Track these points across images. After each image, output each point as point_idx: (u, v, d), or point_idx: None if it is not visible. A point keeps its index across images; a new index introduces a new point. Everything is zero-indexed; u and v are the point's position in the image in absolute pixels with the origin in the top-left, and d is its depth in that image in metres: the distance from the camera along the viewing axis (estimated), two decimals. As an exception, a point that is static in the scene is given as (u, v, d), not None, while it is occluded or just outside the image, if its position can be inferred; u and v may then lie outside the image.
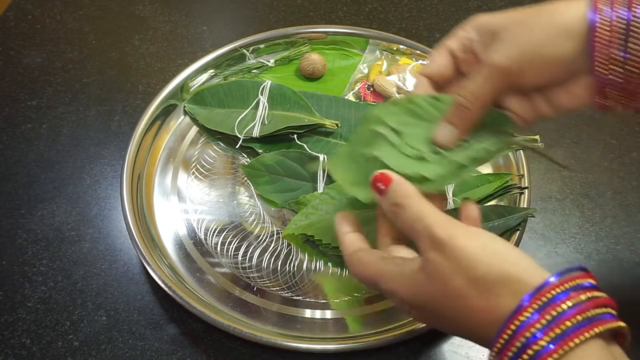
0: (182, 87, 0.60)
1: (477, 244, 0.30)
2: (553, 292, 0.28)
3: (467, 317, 0.30)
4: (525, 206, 0.51)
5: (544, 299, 0.28)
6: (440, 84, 0.40)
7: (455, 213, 0.50)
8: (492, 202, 0.52)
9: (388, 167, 0.36)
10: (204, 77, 0.62)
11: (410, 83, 0.60)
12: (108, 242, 0.52)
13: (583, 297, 0.28)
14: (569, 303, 0.28)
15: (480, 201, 0.52)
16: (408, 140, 0.38)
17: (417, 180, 0.36)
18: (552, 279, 0.28)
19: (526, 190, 0.52)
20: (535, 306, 0.28)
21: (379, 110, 0.40)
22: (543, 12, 0.34)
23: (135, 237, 0.48)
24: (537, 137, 0.54)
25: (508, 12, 0.36)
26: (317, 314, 0.47)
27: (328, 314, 0.47)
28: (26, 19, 0.71)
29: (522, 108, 0.38)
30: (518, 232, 0.49)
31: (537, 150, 0.41)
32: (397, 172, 0.35)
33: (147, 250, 0.48)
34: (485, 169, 0.55)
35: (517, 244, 0.48)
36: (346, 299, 0.48)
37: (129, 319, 0.47)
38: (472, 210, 0.36)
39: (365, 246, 0.36)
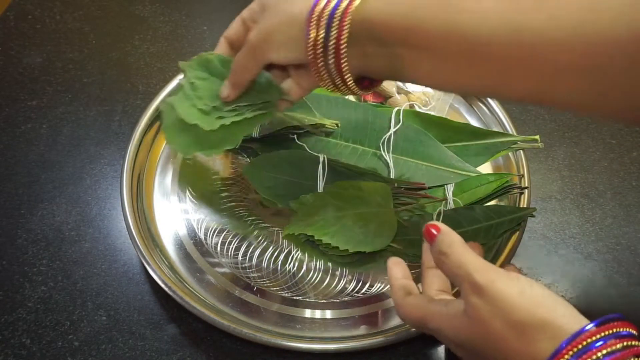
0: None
1: (516, 290, 0.31)
2: (589, 340, 0.29)
3: (507, 359, 0.32)
4: (525, 206, 0.51)
5: (580, 347, 0.29)
6: (235, 47, 0.45)
7: (455, 213, 0.50)
8: (492, 202, 0.52)
9: (180, 116, 0.45)
10: (204, 77, 0.62)
11: (409, 83, 0.60)
12: (108, 242, 0.52)
13: (619, 345, 0.29)
14: (604, 351, 0.29)
15: (480, 201, 0.52)
16: (201, 93, 0.46)
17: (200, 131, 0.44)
18: (590, 326, 0.30)
19: (526, 190, 0.52)
20: (571, 352, 0.29)
21: (184, 64, 0.47)
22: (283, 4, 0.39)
23: (135, 237, 0.48)
24: (537, 137, 0.54)
25: None
26: (317, 314, 0.47)
27: (328, 314, 0.47)
28: (26, 19, 0.71)
29: (286, 83, 0.43)
30: (518, 232, 0.49)
31: None
32: (185, 120, 0.44)
33: (147, 250, 0.48)
34: (485, 169, 0.55)
35: (517, 244, 0.48)
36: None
37: (129, 319, 0.47)
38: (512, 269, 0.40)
39: (415, 292, 0.39)
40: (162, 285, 0.46)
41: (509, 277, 0.32)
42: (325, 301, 0.48)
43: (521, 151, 0.54)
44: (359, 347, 0.44)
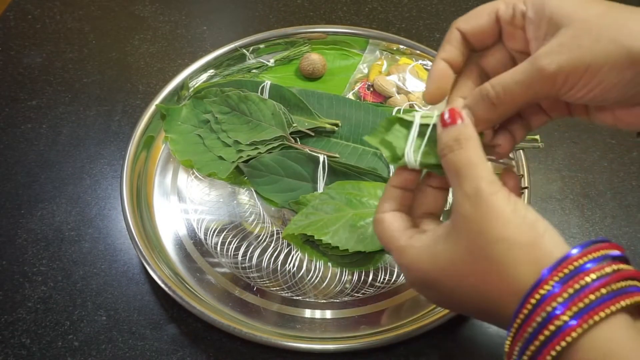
0: (182, 87, 0.60)
1: (512, 208, 0.29)
2: (576, 264, 0.27)
3: (488, 285, 0.29)
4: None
5: (566, 271, 0.27)
6: (475, 46, 0.35)
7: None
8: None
9: (206, 146, 0.55)
10: (204, 77, 0.62)
11: (410, 83, 0.60)
12: (108, 242, 0.52)
13: (608, 269, 0.27)
14: (593, 275, 0.26)
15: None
16: (225, 127, 0.55)
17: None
18: (575, 251, 0.27)
19: (526, 190, 0.52)
20: (556, 278, 0.27)
21: (208, 101, 0.57)
22: (615, 29, 0.29)
23: (135, 237, 0.48)
24: (537, 137, 0.54)
25: (579, 5, 0.31)
26: (317, 314, 0.47)
27: (328, 314, 0.47)
28: (26, 19, 0.71)
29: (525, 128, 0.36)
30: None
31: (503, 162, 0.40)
32: (210, 152, 0.53)
33: (147, 250, 0.48)
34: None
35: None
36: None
37: (129, 319, 0.47)
38: (512, 179, 0.35)
39: (397, 212, 0.35)
40: (162, 285, 0.46)
41: (509, 196, 0.30)
42: (325, 301, 0.48)
43: (521, 151, 0.54)
44: (359, 347, 0.44)
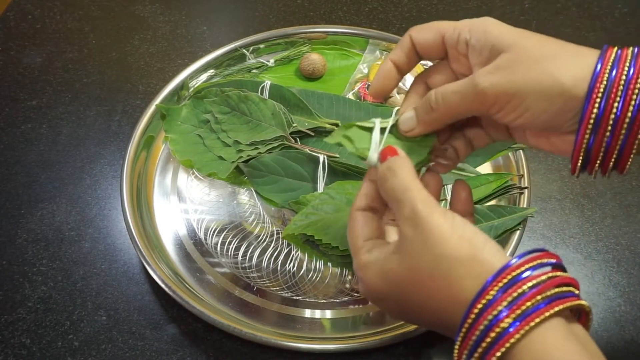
0: (182, 87, 0.60)
1: (449, 225, 0.31)
2: (514, 273, 0.29)
3: (434, 300, 0.31)
4: (525, 206, 0.51)
5: (506, 280, 0.29)
6: (422, 55, 0.38)
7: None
8: (492, 202, 0.53)
9: (206, 146, 0.55)
10: (204, 77, 0.62)
11: (410, 83, 0.60)
12: (108, 242, 0.52)
13: (544, 277, 0.29)
14: (529, 284, 0.28)
15: (480, 201, 0.52)
16: (225, 127, 0.55)
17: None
18: (514, 261, 0.29)
19: (526, 190, 0.52)
20: (497, 287, 0.28)
21: (208, 101, 0.57)
22: (548, 60, 0.32)
23: (135, 237, 0.48)
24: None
25: (519, 35, 0.33)
26: (317, 314, 0.47)
27: (328, 314, 0.47)
28: (26, 19, 0.71)
29: (474, 138, 0.38)
30: (518, 232, 0.49)
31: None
32: (210, 152, 0.54)
33: (147, 250, 0.48)
34: (485, 169, 0.55)
35: (517, 244, 0.48)
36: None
37: (129, 319, 0.47)
38: (463, 189, 0.38)
39: (368, 212, 0.37)
40: (162, 285, 0.46)
41: (446, 214, 0.31)
42: (325, 301, 0.48)
43: (521, 151, 0.54)
44: (359, 347, 0.44)
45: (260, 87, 0.58)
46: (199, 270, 0.49)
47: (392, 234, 0.37)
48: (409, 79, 0.60)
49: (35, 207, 0.54)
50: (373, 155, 0.37)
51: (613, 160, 0.32)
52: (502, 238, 0.49)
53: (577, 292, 0.30)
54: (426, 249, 0.31)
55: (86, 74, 0.65)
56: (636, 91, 0.30)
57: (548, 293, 0.28)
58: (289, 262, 0.50)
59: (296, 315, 0.47)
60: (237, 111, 0.56)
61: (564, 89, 0.31)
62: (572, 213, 0.55)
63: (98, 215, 0.54)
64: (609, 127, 0.31)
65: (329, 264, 0.50)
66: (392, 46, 0.65)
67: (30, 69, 0.66)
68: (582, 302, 0.29)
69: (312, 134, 0.55)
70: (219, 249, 0.51)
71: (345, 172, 0.52)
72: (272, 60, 0.64)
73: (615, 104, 0.30)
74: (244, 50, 0.64)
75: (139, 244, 0.48)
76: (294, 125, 0.54)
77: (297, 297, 0.48)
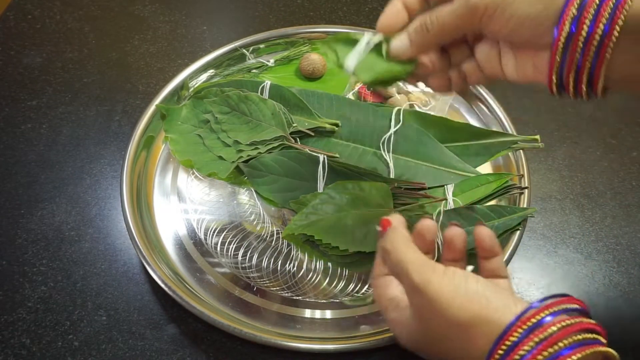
0: (182, 87, 0.60)
1: (450, 288, 0.32)
2: (538, 317, 0.29)
3: (455, 355, 0.33)
4: (525, 206, 0.51)
5: (529, 324, 0.29)
6: (411, 10, 0.39)
7: (455, 213, 0.50)
8: (492, 202, 0.52)
9: (206, 146, 0.55)
10: (204, 77, 0.62)
11: (409, 85, 0.60)
12: (108, 242, 0.52)
13: (570, 321, 0.29)
14: (554, 328, 0.29)
15: (480, 201, 0.52)
16: (225, 126, 0.55)
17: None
18: (536, 304, 0.30)
19: (526, 190, 0.52)
20: (520, 330, 0.29)
21: (208, 101, 0.56)
22: None
23: (135, 237, 0.48)
24: (537, 137, 0.54)
25: None
26: (317, 314, 0.47)
27: (328, 314, 0.47)
28: (26, 19, 0.71)
29: (470, 65, 0.40)
30: (518, 232, 0.49)
31: None
32: (210, 152, 0.54)
33: (147, 250, 0.48)
34: (485, 169, 0.55)
35: (517, 244, 0.48)
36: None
37: (128, 319, 0.47)
38: (486, 235, 0.39)
39: (388, 276, 0.38)
40: (162, 285, 0.46)
41: (445, 275, 0.33)
42: (325, 301, 0.48)
43: (521, 151, 0.54)
44: (359, 347, 0.44)
45: (260, 87, 0.58)
46: (199, 270, 0.49)
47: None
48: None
49: (35, 207, 0.54)
50: (349, 63, 0.40)
51: (585, 80, 0.33)
52: (502, 238, 0.49)
53: (604, 340, 0.29)
54: (434, 316, 0.32)
55: (86, 74, 0.65)
56: (608, 10, 0.31)
57: (575, 338, 0.28)
58: (289, 262, 0.50)
59: (296, 315, 0.47)
60: (237, 111, 0.56)
61: None
62: (572, 213, 0.55)
63: (98, 215, 0.54)
64: (580, 44, 0.32)
65: (329, 264, 0.50)
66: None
67: (30, 69, 0.65)
68: (610, 350, 0.29)
69: (312, 134, 0.55)
70: (219, 249, 0.51)
71: (345, 172, 0.52)
72: (272, 60, 0.64)
73: (587, 21, 0.31)
74: (244, 50, 0.64)
75: (139, 244, 0.48)
76: (294, 125, 0.54)
77: (297, 297, 0.48)
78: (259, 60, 0.64)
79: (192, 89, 0.61)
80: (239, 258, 0.50)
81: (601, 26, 0.31)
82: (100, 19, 0.71)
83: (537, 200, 0.55)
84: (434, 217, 0.50)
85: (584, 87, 0.34)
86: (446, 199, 0.52)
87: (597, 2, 0.31)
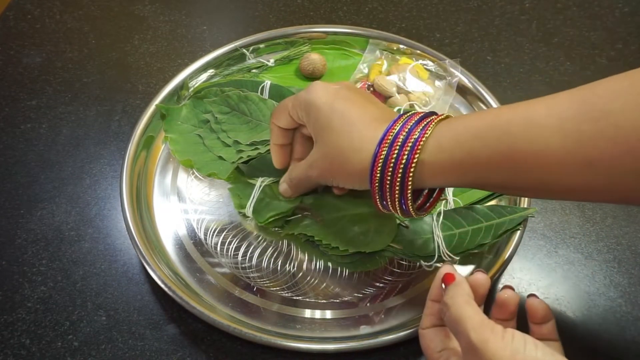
0: (182, 87, 0.60)
1: (508, 353, 0.31)
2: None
3: None
4: (525, 206, 0.51)
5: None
6: (286, 134, 0.48)
7: (455, 213, 0.50)
8: (493, 202, 0.52)
9: (206, 146, 0.55)
10: (204, 76, 0.62)
11: (410, 83, 0.60)
12: (108, 242, 0.52)
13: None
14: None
15: (481, 201, 0.52)
16: (224, 127, 0.56)
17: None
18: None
19: (526, 190, 0.52)
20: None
21: (208, 101, 0.57)
22: (353, 127, 0.41)
23: (135, 237, 0.48)
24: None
25: (327, 123, 0.42)
26: (317, 314, 0.47)
27: (328, 314, 0.47)
28: (26, 18, 0.71)
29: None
30: (518, 232, 0.49)
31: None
32: (210, 152, 0.55)
33: (147, 250, 0.47)
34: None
35: (517, 244, 0.48)
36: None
37: (128, 319, 0.47)
38: (539, 308, 0.39)
39: (436, 328, 0.39)
40: (162, 285, 0.46)
41: (503, 337, 0.32)
42: (325, 301, 0.48)
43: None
44: (359, 347, 0.44)
45: (260, 87, 0.58)
46: (199, 270, 0.49)
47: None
48: (408, 78, 0.60)
49: (34, 207, 0.54)
50: (249, 209, 0.51)
51: (397, 197, 0.40)
52: (502, 238, 0.49)
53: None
54: None
55: (86, 74, 0.65)
56: (408, 146, 0.38)
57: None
58: (289, 262, 0.50)
59: (296, 315, 0.47)
60: (237, 111, 0.56)
61: (357, 172, 0.41)
62: (572, 213, 0.55)
63: (98, 215, 0.54)
64: (390, 169, 0.39)
65: (329, 264, 0.50)
66: (393, 46, 0.65)
67: (30, 69, 0.65)
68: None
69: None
70: (219, 249, 0.51)
71: (345, 172, 0.52)
72: (272, 60, 0.64)
73: (390, 171, 0.39)
74: (244, 50, 0.64)
75: (139, 244, 0.48)
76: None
77: (297, 297, 0.48)
78: (259, 60, 0.64)
79: (192, 88, 0.61)
80: (239, 258, 0.50)
81: (404, 158, 0.38)
82: (100, 18, 0.71)
83: (538, 200, 0.55)
84: (434, 217, 0.50)
85: (396, 203, 0.41)
86: (446, 199, 0.52)
87: (394, 159, 0.39)
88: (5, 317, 0.47)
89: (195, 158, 0.55)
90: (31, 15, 0.71)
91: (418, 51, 0.64)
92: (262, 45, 0.65)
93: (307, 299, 0.48)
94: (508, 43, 0.70)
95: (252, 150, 0.54)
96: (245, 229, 0.52)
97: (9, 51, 0.67)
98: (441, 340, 0.38)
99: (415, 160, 0.38)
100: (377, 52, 0.65)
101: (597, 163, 0.32)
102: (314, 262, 0.50)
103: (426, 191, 0.43)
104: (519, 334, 0.33)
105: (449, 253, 0.48)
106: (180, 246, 0.51)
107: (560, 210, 0.55)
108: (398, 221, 0.49)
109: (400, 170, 0.38)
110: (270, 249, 0.51)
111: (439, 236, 0.49)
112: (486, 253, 0.49)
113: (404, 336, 0.44)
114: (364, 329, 0.46)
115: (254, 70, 0.63)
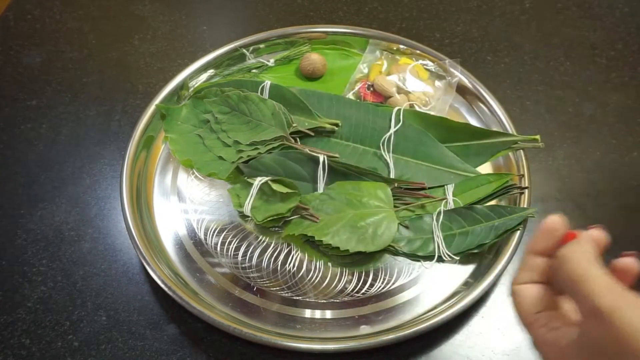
0: (182, 87, 0.60)
1: None
2: None
3: None
4: (525, 206, 0.51)
5: None
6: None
7: (455, 213, 0.50)
8: (493, 202, 0.52)
9: (206, 146, 0.55)
10: (204, 76, 0.62)
11: (410, 83, 0.60)
12: (108, 242, 0.52)
13: None
14: None
15: (481, 201, 0.52)
16: (224, 126, 0.55)
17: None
18: None
19: (526, 190, 0.52)
20: None
21: (208, 101, 0.57)
22: None
23: (135, 237, 0.48)
24: (537, 137, 0.54)
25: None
26: (317, 314, 0.47)
27: (328, 314, 0.47)
28: (26, 18, 0.71)
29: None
30: (518, 232, 0.49)
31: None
32: (210, 152, 0.55)
33: (147, 250, 0.47)
34: (486, 169, 0.55)
35: (517, 244, 0.48)
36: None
37: (128, 319, 0.47)
38: (630, 264, 0.31)
39: (535, 284, 0.32)
40: (162, 285, 0.46)
41: (637, 305, 0.26)
42: (325, 301, 0.48)
43: (521, 151, 0.54)
44: (359, 347, 0.44)
45: (260, 87, 0.58)
46: (199, 270, 0.49)
47: (568, 307, 0.32)
48: (408, 78, 0.60)
49: (35, 207, 0.54)
50: (247, 206, 0.51)
51: None
52: (502, 238, 0.49)
53: None
54: (623, 353, 0.25)
55: (86, 74, 0.65)
56: None
57: None
58: (289, 262, 0.50)
59: (296, 315, 0.47)
60: (237, 111, 0.56)
61: None
62: (572, 213, 0.55)
63: (98, 215, 0.54)
64: None
65: (329, 264, 0.50)
66: (393, 46, 0.64)
67: (30, 69, 0.65)
68: None
69: (312, 134, 0.55)
70: (219, 249, 0.51)
71: (345, 172, 0.52)
72: (272, 60, 0.64)
73: None
74: (244, 50, 0.64)
75: (139, 244, 0.48)
76: (294, 125, 0.54)
77: (297, 297, 0.48)
78: (259, 60, 0.64)
79: (192, 89, 0.61)
80: (239, 258, 0.50)
81: None
82: (100, 18, 0.71)
83: (538, 201, 0.55)
84: (434, 217, 0.50)
85: None
86: (446, 199, 0.52)
87: None
88: (5, 317, 0.47)
89: (195, 158, 0.55)
90: (31, 15, 0.71)
91: (418, 51, 0.64)
92: (262, 46, 0.65)
93: (307, 299, 0.48)
94: (508, 43, 0.70)
95: (252, 150, 0.54)
96: (245, 229, 0.52)
97: (9, 51, 0.67)
98: (541, 300, 0.31)
99: None
100: (377, 52, 0.65)
101: None
102: (314, 262, 0.50)
103: None
104: None
105: (449, 253, 0.48)
106: (180, 246, 0.51)
107: (560, 210, 0.55)
108: (398, 221, 0.50)
109: None
110: (270, 249, 0.51)
111: (439, 236, 0.49)
112: (486, 253, 0.49)
113: (404, 336, 0.44)
114: (364, 329, 0.46)
115: (254, 70, 0.63)
